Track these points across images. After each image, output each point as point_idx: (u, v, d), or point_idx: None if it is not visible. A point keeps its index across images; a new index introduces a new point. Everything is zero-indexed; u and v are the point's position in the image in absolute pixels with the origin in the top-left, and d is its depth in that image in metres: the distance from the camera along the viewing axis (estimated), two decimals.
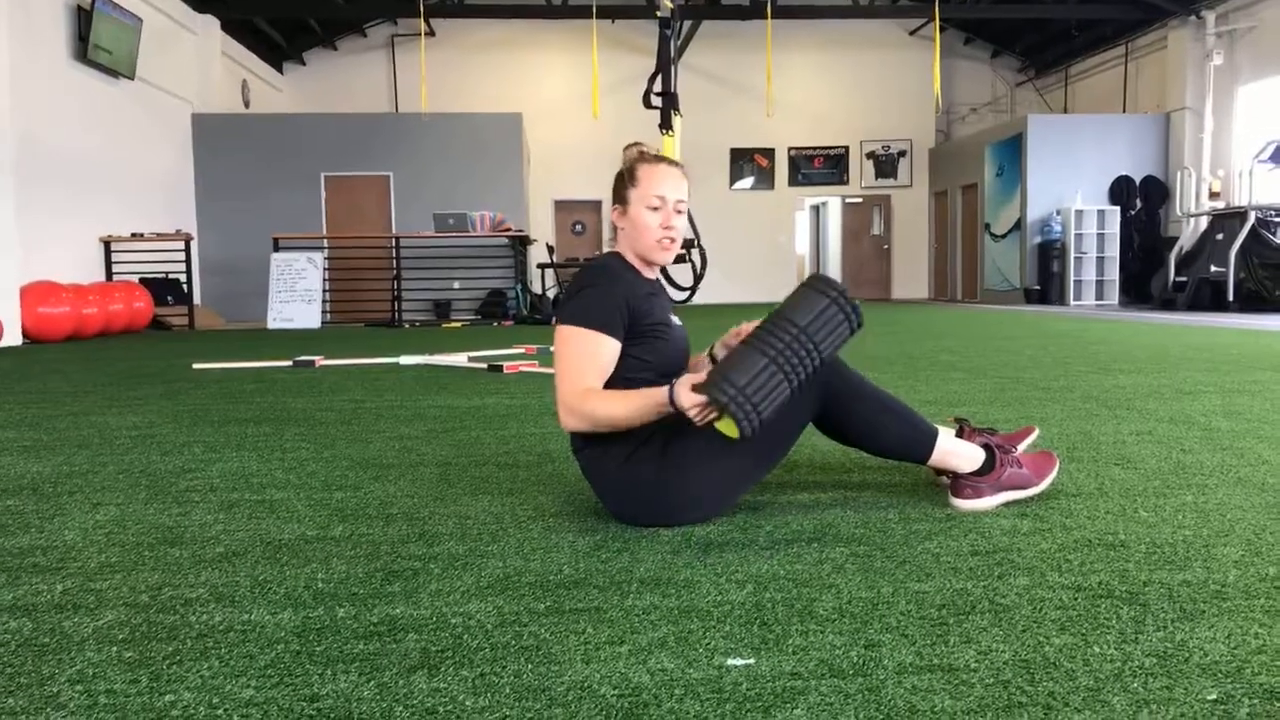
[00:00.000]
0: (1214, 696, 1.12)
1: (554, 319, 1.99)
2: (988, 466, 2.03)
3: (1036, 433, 2.38)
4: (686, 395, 1.78)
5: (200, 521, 2.05)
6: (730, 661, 1.25)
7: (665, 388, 1.85)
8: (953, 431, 2.19)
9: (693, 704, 1.12)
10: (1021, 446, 2.30)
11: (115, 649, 1.32)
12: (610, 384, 1.96)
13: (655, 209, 2.01)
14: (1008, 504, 2.04)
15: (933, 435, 2.00)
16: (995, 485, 2.02)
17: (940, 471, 2.14)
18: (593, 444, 1.98)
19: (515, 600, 1.50)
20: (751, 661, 1.25)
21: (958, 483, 2.03)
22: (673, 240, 2.04)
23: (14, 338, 8.70)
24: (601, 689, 1.17)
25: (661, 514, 1.92)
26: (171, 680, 1.22)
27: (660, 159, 2.05)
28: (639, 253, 2.06)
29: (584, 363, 1.93)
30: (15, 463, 2.78)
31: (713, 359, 2.17)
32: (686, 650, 1.29)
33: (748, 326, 2.03)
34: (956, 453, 2.02)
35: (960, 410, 3.45)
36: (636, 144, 2.11)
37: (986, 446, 2.05)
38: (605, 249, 2.30)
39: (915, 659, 1.24)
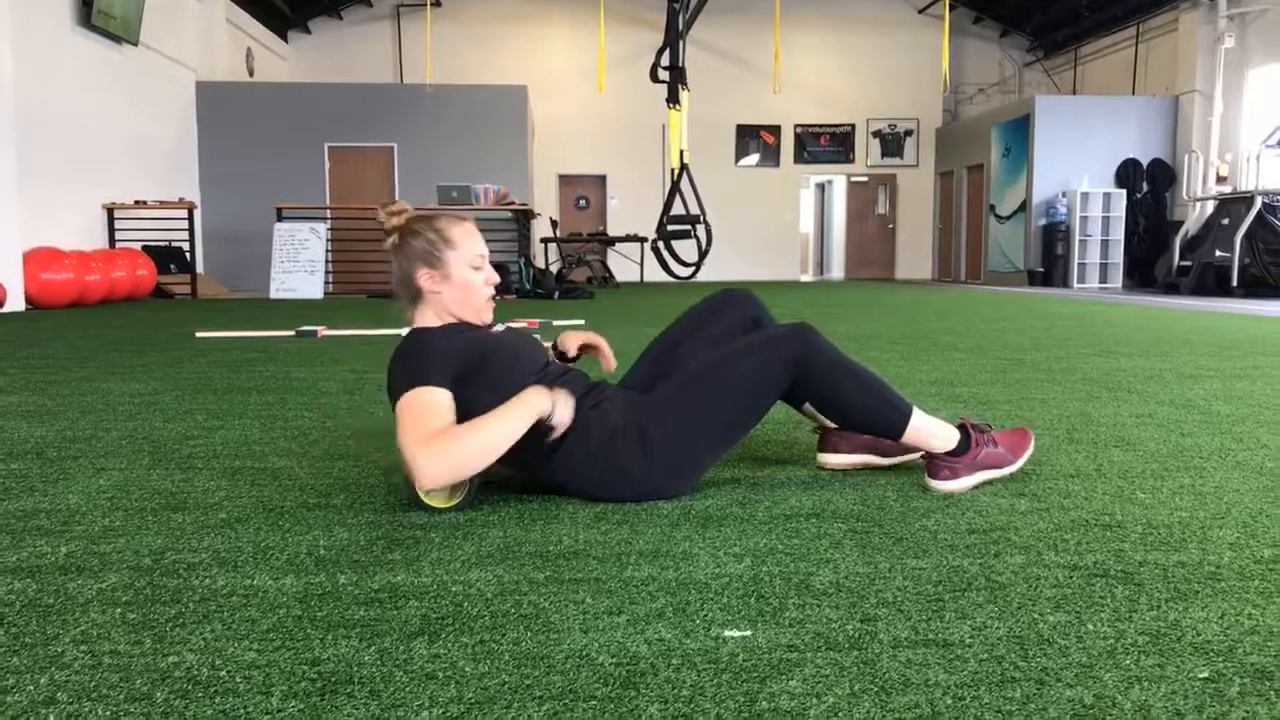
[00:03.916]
0: (1205, 675, 1.13)
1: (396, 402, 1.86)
2: (963, 447, 1.99)
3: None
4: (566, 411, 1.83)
5: (203, 488, 2.06)
6: (727, 633, 1.26)
7: (539, 395, 1.81)
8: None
9: (689, 674, 1.14)
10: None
11: (119, 611, 1.34)
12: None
13: (478, 268, 1.97)
14: (987, 483, 2.03)
15: (907, 413, 1.97)
16: (971, 465, 1.99)
17: (825, 447, 2.17)
18: (561, 463, 1.90)
19: (515, 569, 1.51)
20: (748, 633, 1.26)
21: (933, 463, 2.00)
22: (492, 297, 2.02)
23: (17, 304, 8.71)
24: (599, 657, 1.18)
25: (646, 493, 1.92)
26: (175, 642, 1.23)
27: (460, 217, 2.01)
28: (462, 317, 1.98)
29: (421, 416, 1.76)
30: (19, 427, 2.80)
31: (559, 355, 2.21)
32: (684, 621, 1.30)
33: (599, 339, 2.13)
34: (931, 432, 1.99)
35: (960, 390, 3.46)
36: (395, 204, 2.02)
37: (962, 426, 2.02)
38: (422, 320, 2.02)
39: (910, 633, 1.26)
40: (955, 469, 1.99)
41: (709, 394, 1.93)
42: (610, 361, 2.21)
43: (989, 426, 2.09)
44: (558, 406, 1.83)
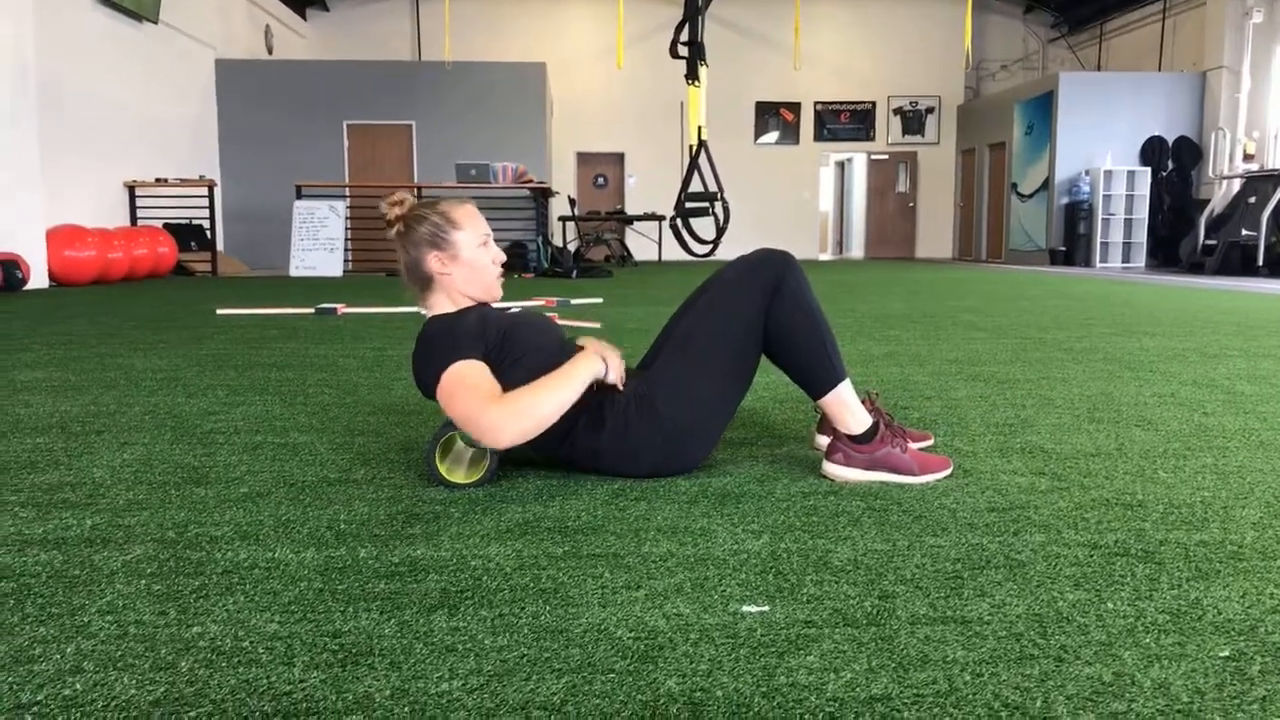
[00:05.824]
0: (1226, 653, 1.13)
1: (435, 385, 1.85)
2: (868, 437, 1.94)
3: (931, 441, 2.28)
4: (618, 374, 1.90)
5: (225, 462, 2.08)
6: (745, 608, 1.26)
7: (591, 359, 1.85)
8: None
9: (707, 648, 1.14)
10: (912, 446, 2.18)
11: (144, 582, 1.36)
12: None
13: (484, 245, 1.99)
14: (884, 483, 1.91)
15: (841, 375, 1.95)
16: (869, 459, 1.92)
17: (823, 431, 2.16)
18: (576, 441, 1.91)
19: (534, 544, 1.52)
20: (766, 609, 1.26)
21: (834, 444, 1.95)
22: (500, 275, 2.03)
23: (41, 280, 8.78)
24: (618, 631, 1.19)
25: (667, 460, 1.92)
26: (198, 613, 1.24)
27: (461, 200, 2.02)
28: (474, 296, 2.00)
29: (474, 385, 1.79)
30: (44, 402, 2.83)
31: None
32: (702, 596, 1.30)
33: (608, 351, 1.95)
34: (850, 407, 1.95)
35: (980, 369, 3.44)
36: (395, 194, 2.03)
37: (875, 422, 1.97)
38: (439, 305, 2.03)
39: (929, 610, 1.25)
40: (851, 456, 1.93)
41: (701, 345, 1.93)
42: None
43: (892, 418, 2.04)
44: (610, 365, 1.89)
